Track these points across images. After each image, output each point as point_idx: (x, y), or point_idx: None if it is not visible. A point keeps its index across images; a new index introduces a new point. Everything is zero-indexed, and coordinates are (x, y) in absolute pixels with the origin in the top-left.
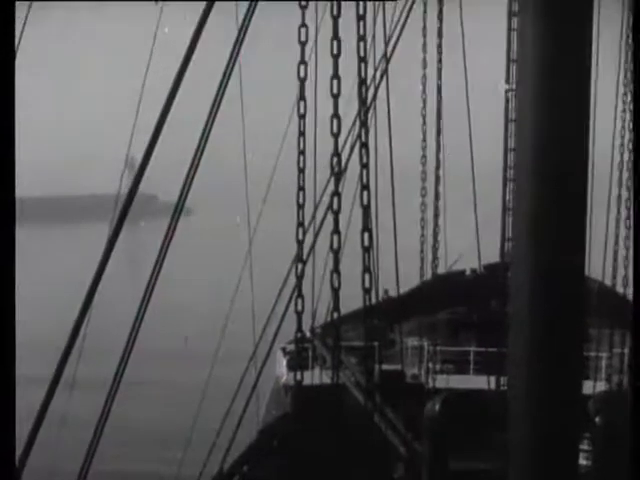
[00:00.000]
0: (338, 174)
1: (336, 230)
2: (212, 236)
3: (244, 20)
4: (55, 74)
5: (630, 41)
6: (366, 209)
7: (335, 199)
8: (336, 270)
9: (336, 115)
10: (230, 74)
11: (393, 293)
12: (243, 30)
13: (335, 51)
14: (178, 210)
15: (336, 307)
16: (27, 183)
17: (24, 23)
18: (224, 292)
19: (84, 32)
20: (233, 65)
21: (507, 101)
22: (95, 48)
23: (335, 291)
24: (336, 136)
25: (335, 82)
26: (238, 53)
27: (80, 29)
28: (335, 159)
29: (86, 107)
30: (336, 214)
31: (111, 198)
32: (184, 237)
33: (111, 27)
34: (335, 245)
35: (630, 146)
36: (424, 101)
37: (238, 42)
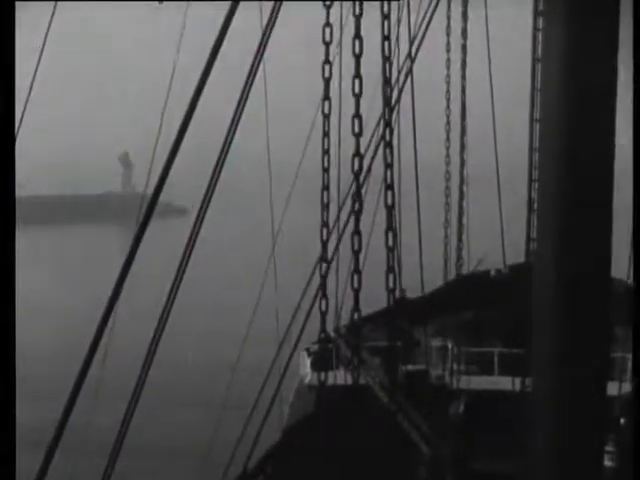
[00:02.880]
0: (359, 174)
1: (357, 230)
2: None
3: (269, 21)
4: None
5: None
6: (390, 209)
7: (356, 199)
8: (356, 270)
9: (357, 115)
10: (256, 72)
11: (413, 294)
12: (268, 30)
13: (357, 50)
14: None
15: (357, 308)
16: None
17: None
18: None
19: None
20: (258, 64)
21: (532, 101)
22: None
23: (356, 292)
24: (357, 136)
25: (357, 82)
26: (263, 53)
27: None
28: (356, 159)
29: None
30: (357, 214)
31: (107, 197)
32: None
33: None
34: (356, 246)
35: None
36: (448, 101)
37: (262, 43)
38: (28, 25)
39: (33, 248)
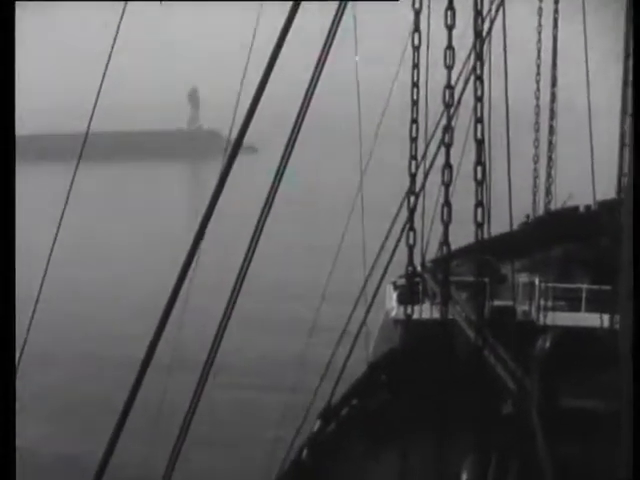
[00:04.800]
0: (450, 106)
1: (447, 164)
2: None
3: None
4: None
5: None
6: (480, 143)
7: (446, 132)
8: (446, 203)
9: (450, 47)
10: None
11: (501, 229)
12: None
13: None
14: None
15: (446, 241)
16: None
17: None
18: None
19: None
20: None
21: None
22: None
23: (445, 225)
24: (449, 68)
25: (449, 14)
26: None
27: None
28: (447, 92)
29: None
30: (447, 147)
31: (173, 134)
32: (250, 175)
33: None
34: (446, 179)
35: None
36: (539, 34)
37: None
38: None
39: (97, 185)
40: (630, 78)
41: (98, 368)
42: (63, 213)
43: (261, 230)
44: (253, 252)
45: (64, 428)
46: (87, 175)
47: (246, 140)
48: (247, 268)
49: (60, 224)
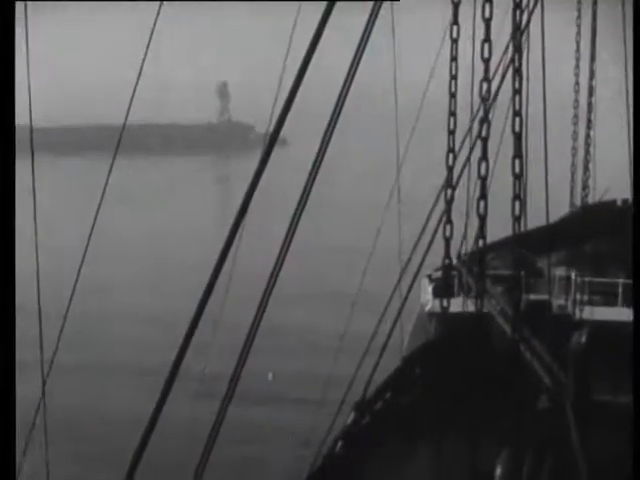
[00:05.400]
0: (487, 99)
1: (484, 157)
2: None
3: None
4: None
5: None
6: (518, 136)
7: (483, 125)
8: (483, 197)
9: (487, 40)
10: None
11: (537, 223)
12: None
13: None
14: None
15: (482, 234)
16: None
17: None
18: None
19: None
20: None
21: None
22: None
23: (481, 218)
24: (487, 61)
25: (487, 6)
26: None
27: None
28: (485, 85)
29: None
30: (484, 140)
31: (202, 127)
32: (279, 168)
33: None
34: (483, 172)
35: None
36: (579, 27)
37: None
38: None
39: (124, 178)
40: None
41: None
42: (99, 206)
43: (296, 225)
44: (288, 246)
45: None
46: (116, 168)
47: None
48: (282, 262)
49: (96, 217)
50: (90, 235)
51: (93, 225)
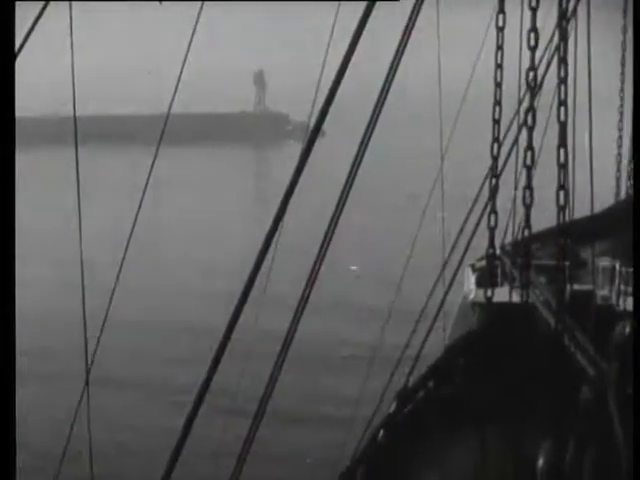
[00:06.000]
0: (533, 89)
1: (530, 146)
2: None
3: None
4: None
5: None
6: (563, 125)
7: (530, 114)
8: (529, 187)
9: (534, 29)
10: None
11: (582, 213)
12: None
13: None
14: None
15: (528, 224)
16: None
17: None
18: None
19: None
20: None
21: None
22: None
23: (527, 208)
24: (533, 49)
25: None
26: None
27: None
28: (531, 73)
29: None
30: (530, 130)
31: (238, 116)
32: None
33: None
34: (528, 161)
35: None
36: (625, 19)
37: None
38: None
39: (160, 170)
40: None
41: None
42: (143, 196)
43: (339, 216)
44: (331, 237)
45: None
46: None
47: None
48: (325, 253)
49: (140, 207)
50: (135, 219)
51: (137, 213)
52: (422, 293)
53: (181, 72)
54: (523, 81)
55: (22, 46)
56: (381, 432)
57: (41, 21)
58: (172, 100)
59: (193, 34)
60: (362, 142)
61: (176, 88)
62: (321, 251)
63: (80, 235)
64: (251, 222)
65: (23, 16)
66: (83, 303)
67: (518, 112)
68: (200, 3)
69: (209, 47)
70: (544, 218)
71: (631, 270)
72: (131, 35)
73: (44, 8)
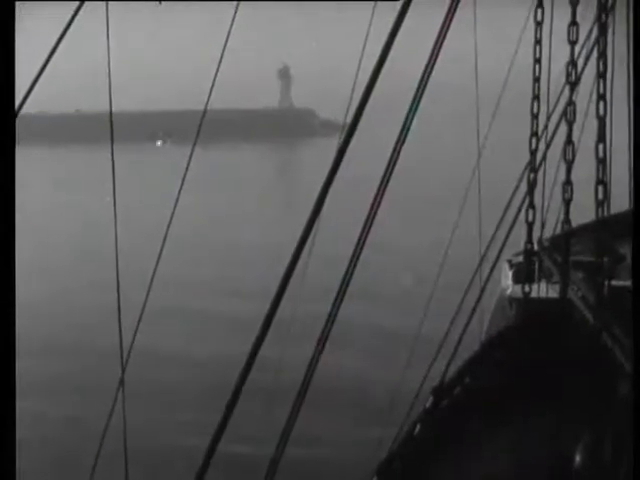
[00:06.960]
0: (573, 83)
1: (569, 140)
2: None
3: None
4: None
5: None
6: (602, 120)
7: (569, 109)
8: (568, 181)
9: (574, 23)
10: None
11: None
12: None
13: None
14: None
15: (567, 219)
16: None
17: None
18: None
19: None
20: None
21: None
22: None
23: (567, 202)
24: (573, 44)
25: None
26: None
27: None
28: (571, 67)
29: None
30: (570, 124)
31: (263, 112)
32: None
33: None
34: (568, 155)
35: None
36: None
37: None
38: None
39: (178, 166)
40: None
41: None
42: (180, 192)
43: (375, 213)
44: (366, 236)
45: None
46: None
47: (343, 119)
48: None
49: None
50: (172, 216)
51: (173, 211)
52: (457, 289)
53: (217, 72)
54: (556, 75)
55: (56, 46)
56: (417, 427)
57: (42, 22)
58: (208, 98)
59: (229, 35)
60: (397, 141)
61: (212, 85)
62: (350, 266)
63: (115, 230)
64: (284, 229)
65: (22, 16)
66: (118, 300)
67: (555, 106)
68: (236, 3)
69: (235, 42)
70: (578, 214)
71: None
72: (164, 36)
73: (79, 8)
